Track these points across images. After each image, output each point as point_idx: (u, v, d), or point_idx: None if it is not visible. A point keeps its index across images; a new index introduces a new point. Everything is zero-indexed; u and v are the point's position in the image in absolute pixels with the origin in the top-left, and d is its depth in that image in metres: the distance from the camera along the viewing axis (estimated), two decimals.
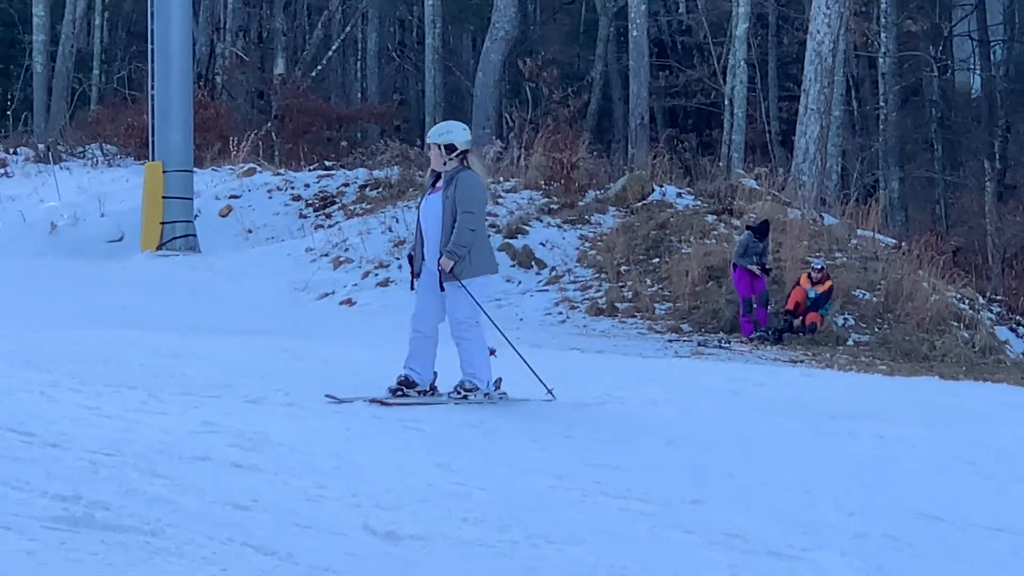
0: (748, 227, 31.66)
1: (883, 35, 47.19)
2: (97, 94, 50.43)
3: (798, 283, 30.84)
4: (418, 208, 15.68)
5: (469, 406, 15.56)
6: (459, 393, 15.34)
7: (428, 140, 15.47)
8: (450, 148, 15.15)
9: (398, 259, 33.38)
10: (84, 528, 10.65)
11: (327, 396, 15.14)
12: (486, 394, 15.43)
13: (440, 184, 15.20)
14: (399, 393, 15.22)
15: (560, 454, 14.29)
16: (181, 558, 10.28)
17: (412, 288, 15.59)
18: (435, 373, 15.60)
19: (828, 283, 30.94)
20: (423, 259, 15.29)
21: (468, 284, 15.02)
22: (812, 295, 30.77)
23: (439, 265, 14.91)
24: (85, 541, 10.36)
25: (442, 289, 15.06)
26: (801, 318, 30.67)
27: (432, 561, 10.65)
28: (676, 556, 11.17)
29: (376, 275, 33.03)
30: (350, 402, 15.09)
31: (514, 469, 13.55)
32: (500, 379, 15.68)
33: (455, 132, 15.49)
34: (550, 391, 16.02)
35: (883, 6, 47.04)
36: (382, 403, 15.06)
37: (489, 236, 21.97)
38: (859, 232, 35.05)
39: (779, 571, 11.00)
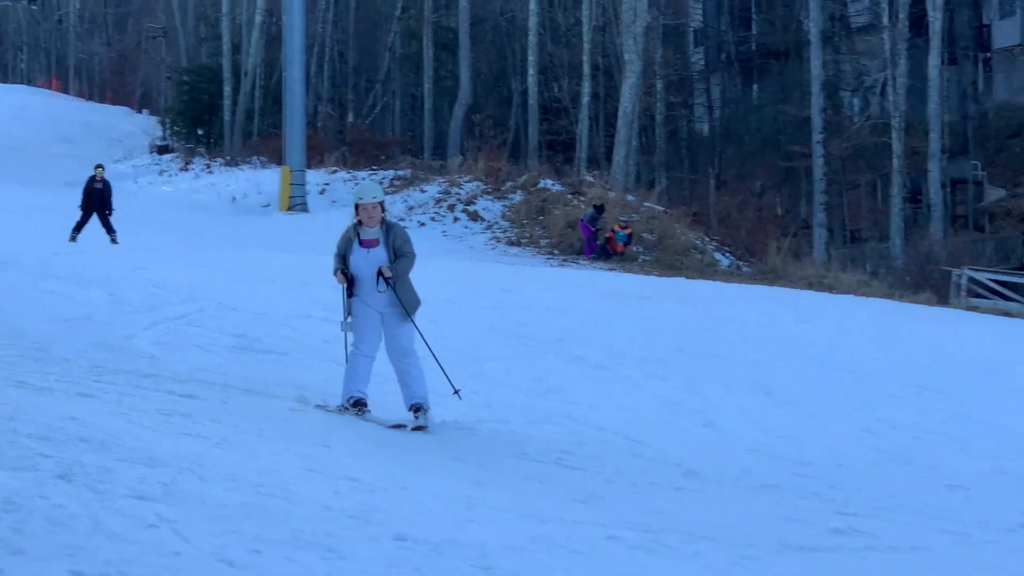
0: (594, 206, 31.87)
1: None
2: (256, 131, 50.38)
3: (612, 230, 31.21)
4: (345, 256, 9.15)
5: None
6: (423, 415, 8.89)
7: (373, 199, 9.12)
8: (383, 203, 9.18)
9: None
10: (248, 351, 11.11)
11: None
12: (427, 410, 8.95)
13: (371, 237, 9.06)
14: (350, 410, 8.92)
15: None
16: (300, 369, 10.65)
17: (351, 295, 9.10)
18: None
19: (629, 229, 31.34)
20: (352, 296, 9.06)
21: (414, 318, 8.95)
22: (620, 236, 31.17)
23: (381, 271, 8.92)
24: (249, 358, 10.86)
25: (388, 289, 8.97)
26: (613, 248, 31.14)
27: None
28: None
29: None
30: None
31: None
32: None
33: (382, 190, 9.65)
34: (456, 391, 9.29)
35: None
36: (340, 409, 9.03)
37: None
38: (645, 204, 35.26)
39: None
